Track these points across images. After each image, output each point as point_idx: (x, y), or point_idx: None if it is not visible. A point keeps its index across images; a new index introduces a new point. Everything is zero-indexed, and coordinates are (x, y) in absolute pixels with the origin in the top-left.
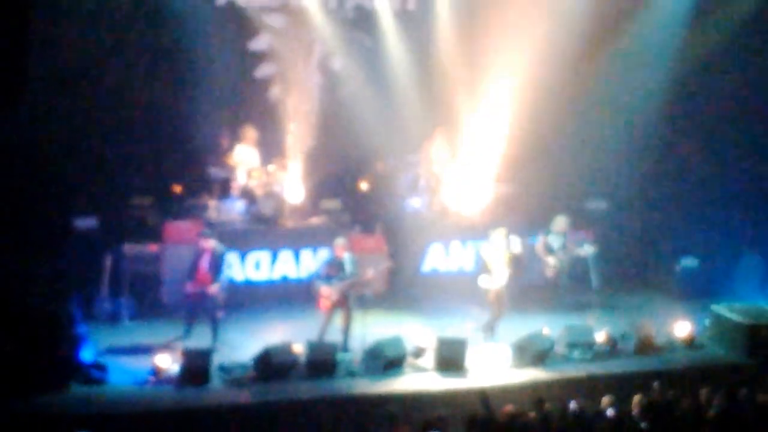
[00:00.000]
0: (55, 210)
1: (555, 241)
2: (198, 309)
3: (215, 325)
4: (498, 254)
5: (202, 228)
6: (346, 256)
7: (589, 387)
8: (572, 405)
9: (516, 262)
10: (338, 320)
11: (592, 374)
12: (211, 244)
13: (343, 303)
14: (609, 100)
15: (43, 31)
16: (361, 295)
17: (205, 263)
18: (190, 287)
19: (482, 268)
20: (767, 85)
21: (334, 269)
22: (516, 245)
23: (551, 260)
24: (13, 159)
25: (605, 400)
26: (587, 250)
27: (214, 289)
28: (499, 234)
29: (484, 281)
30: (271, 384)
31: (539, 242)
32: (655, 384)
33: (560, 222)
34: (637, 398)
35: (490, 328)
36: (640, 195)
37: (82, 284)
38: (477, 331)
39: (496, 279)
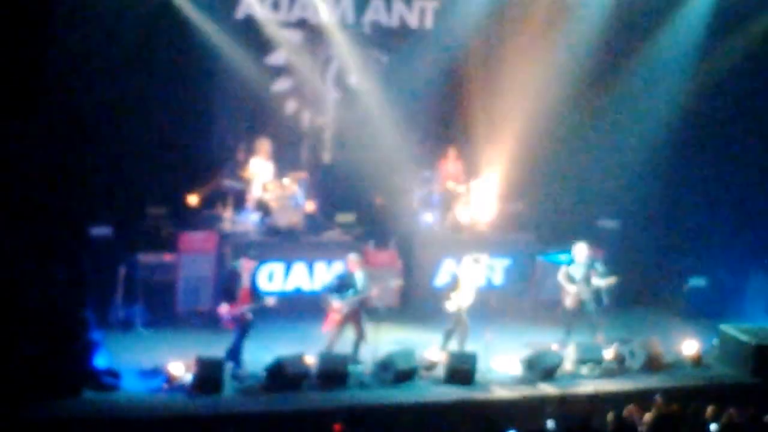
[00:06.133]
0: (72, 218)
1: (577, 271)
2: (248, 326)
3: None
4: (473, 278)
5: (216, 238)
6: (358, 272)
7: (597, 403)
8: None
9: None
10: (349, 333)
11: (599, 391)
12: (253, 264)
13: (354, 317)
14: (620, 121)
15: (62, 40)
16: (373, 309)
17: (247, 282)
18: (234, 308)
19: (452, 285)
20: None
21: (345, 284)
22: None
23: (573, 289)
24: (31, 167)
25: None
26: (609, 281)
27: (271, 300)
28: (482, 259)
29: (451, 304)
30: (282, 394)
31: (561, 271)
32: (657, 396)
33: (581, 250)
34: (647, 416)
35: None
36: (650, 215)
37: (97, 291)
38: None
39: (462, 300)
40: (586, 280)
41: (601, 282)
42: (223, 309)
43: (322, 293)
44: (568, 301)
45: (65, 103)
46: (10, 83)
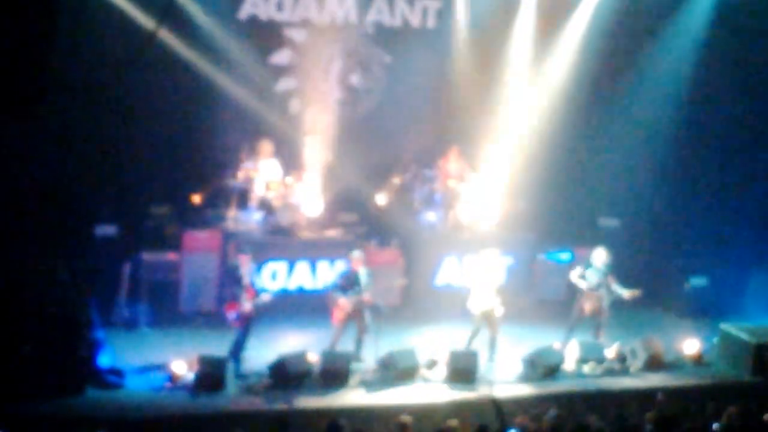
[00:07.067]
0: (76, 217)
1: (594, 276)
2: (252, 322)
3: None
4: (487, 275)
5: (220, 237)
6: (361, 270)
7: (598, 402)
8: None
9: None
10: (352, 331)
11: (601, 389)
12: (249, 259)
13: (358, 315)
14: (621, 120)
15: (66, 40)
16: (376, 307)
17: (248, 278)
18: (245, 306)
19: (470, 287)
20: None
21: (349, 282)
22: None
23: (595, 296)
24: (36, 167)
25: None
26: (633, 293)
27: (267, 297)
28: (492, 254)
29: (472, 304)
30: (285, 392)
31: (585, 283)
32: (660, 395)
33: (600, 255)
34: (649, 415)
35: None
36: (651, 213)
37: (101, 290)
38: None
39: (482, 300)
40: (605, 285)
41: (624, 292)
42: (246, 306)
43: (328, 291)
44: (587, 306)
45: (69, 102)
46: (16, 82)
